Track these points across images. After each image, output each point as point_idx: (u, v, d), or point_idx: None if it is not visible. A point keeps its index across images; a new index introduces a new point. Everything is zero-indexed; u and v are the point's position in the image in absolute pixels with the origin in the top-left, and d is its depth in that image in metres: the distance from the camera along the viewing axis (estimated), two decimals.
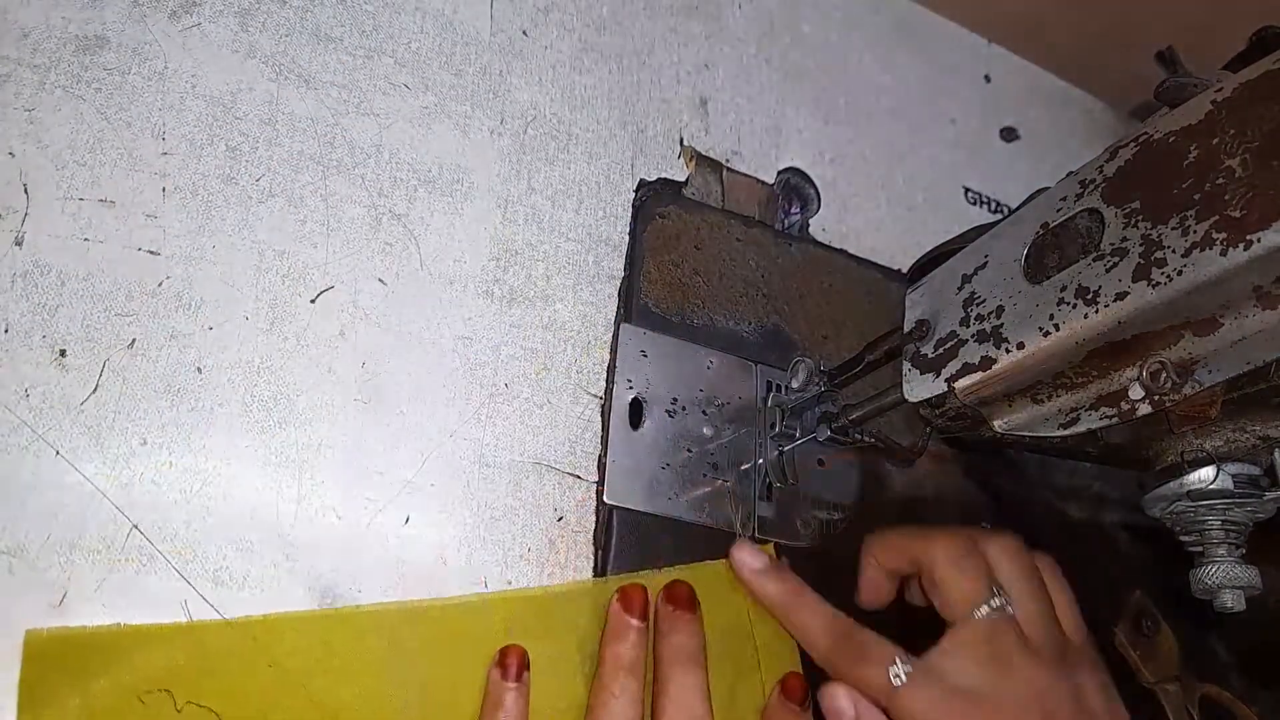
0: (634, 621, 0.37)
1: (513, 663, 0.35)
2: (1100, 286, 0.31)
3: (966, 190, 0.62)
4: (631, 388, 0.44)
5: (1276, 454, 0.31)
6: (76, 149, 0.35)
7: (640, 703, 0.36)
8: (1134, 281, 0.30)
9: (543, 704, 0.36)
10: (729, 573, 0.41)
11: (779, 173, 0.54)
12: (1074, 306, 0.31)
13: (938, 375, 0.36)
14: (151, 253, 0.35)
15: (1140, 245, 0.30)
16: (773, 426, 0.46)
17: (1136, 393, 0.31)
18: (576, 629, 0.38)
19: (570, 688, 0.37)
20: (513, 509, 0.40)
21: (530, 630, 0.37)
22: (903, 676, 0.35)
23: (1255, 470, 0.32)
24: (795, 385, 0.45)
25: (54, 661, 0.30)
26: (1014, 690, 0.34)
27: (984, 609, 0.36)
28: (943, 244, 0.41)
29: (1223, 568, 0.32)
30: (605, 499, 0.42)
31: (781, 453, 0.45)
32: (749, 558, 0.41)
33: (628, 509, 0.42)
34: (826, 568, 0.44)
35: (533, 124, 0.46)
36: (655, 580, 0.39)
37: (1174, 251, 0.29)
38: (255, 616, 0.33)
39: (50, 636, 0.30)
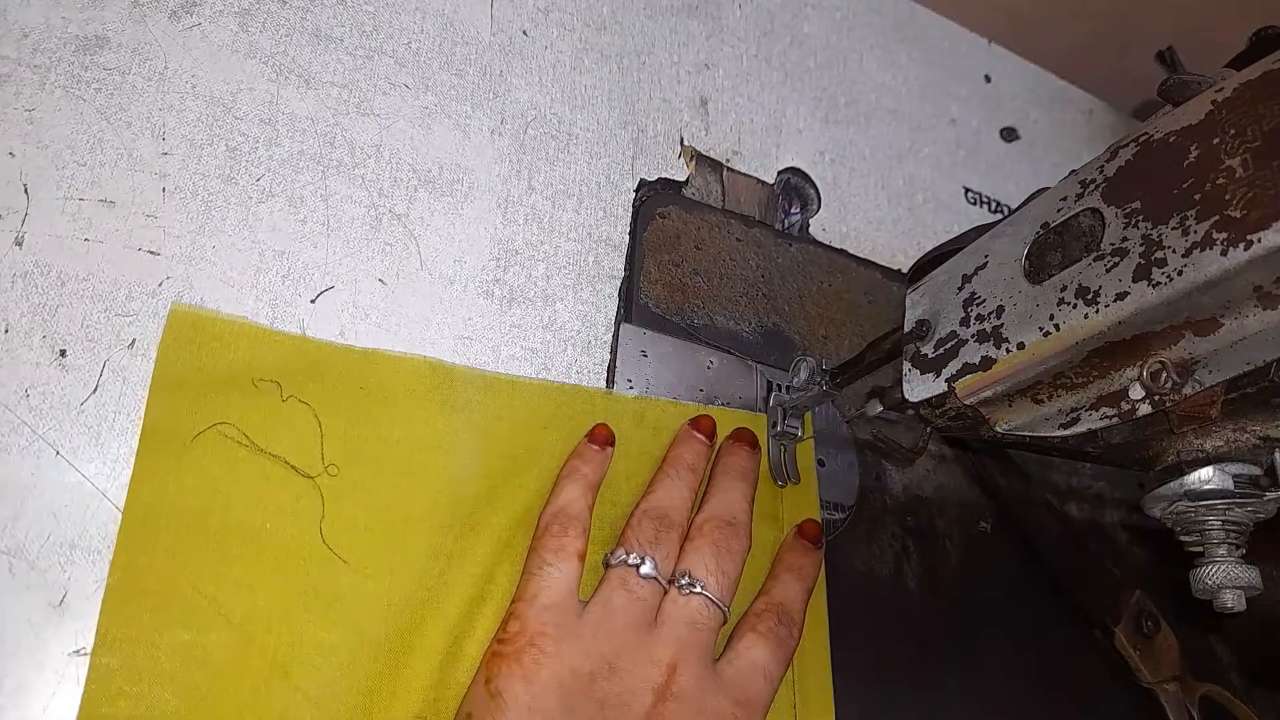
0: (700, 436, 0.42)
1: (602, 433, 0.40)
2: (1100, 286, 0.31)
3: (967, 190, 0.62)
4: (632, 387, 0.44)
5: (1277, 454, 0.30)
6: (76, 149, 0.35)
7: (693, 492, 0.40)
8: (1134, 281, 0.30)
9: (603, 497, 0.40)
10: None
11: (779, 172, 0.54)
12: (1074, 306, 0.31)
13: (938, 375, 0.36)
14: (151, 253, 0.35)
15: (1141, 245, 0.30)
16: (774, 426, 0.46)
17: (1137, 393, 0.31)
18: (648, 441, 0.43)
19: (630, 491, 0.41)
20: None
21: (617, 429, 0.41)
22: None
23: (1255, 470, 0.32)
24: (797, 384, 0.45)
25: (188, 336, 0.35)
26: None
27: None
28: (943, 244, 0.41)
29: (1223, 568, 0.32)
30: None
31: (783, 451, 0.45)
32: None
33: None
34: (827, 568, 0.45)
35: (533, 124, 0.46)
36: (719, 416, 0.44)
37: (1174, 251, 0.29)
38: (360, 347, 0.38)
39: (188, 313, 0.35)
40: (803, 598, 0.40)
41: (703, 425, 0.42)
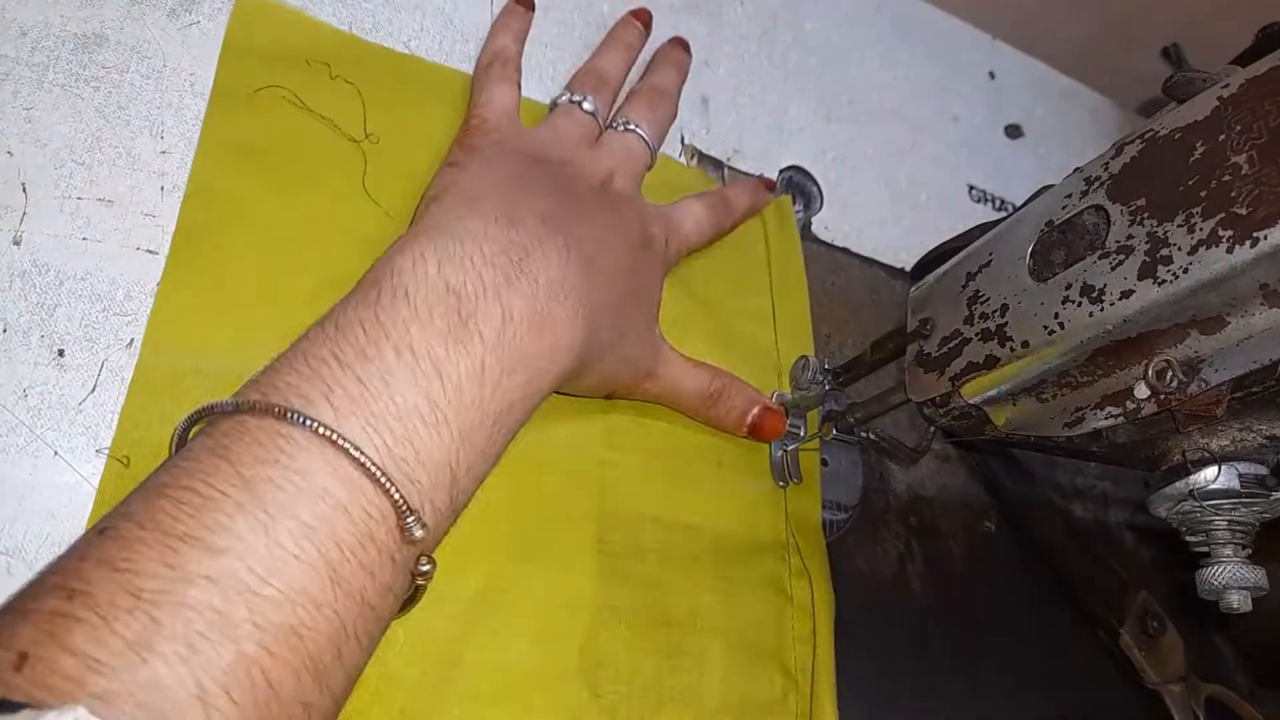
0: (639, 24, 0.47)
1: None
2: (1106, 284, 0.30)
3: (970, 188, 0.62)
4: None
5: None
6: (75, 148, 0.35)
7: (628, 66, 0.46)
8: (1140, 279, 0.29)
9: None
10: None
11: (781, 171, 0.54)
12: (1079, 305, 0.31)
13: (942, 374, 0.36)
14: (150, 252, 0.35)
15: (1146, 243, 0.30)
16: None
17: (1142, 392, 0.30)
18: None
19: None
20: None
21: None
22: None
23: (1262, 470, 0.32)
24: (800, 384, 0.45)
25: (251, 14, 0.39)
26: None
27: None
28: (946, 242, 0.41)
29: (1229, 568, 0.32)
30: None
31: (785, 451, 0.45)
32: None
33: None
34: (830, 569, 0.44)
35: None
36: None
37: (1180, 249, 0.28)
38: (400, 51, 0.43)
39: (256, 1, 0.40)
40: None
41: (641, 14, 0.47)
